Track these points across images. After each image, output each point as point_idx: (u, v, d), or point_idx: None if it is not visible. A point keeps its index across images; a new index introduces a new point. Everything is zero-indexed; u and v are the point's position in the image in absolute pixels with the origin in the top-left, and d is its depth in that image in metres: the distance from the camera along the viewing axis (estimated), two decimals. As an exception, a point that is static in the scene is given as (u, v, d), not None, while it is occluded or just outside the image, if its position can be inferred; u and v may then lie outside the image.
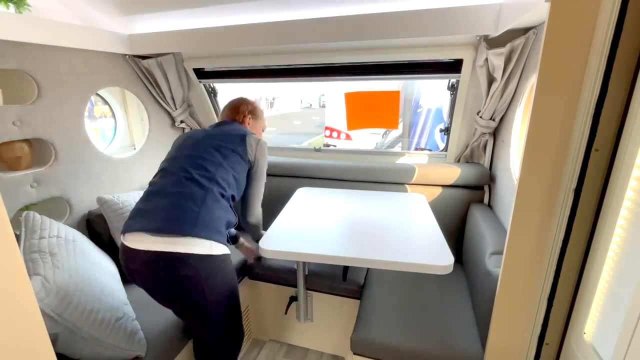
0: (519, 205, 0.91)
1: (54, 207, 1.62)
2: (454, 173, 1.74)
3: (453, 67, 1.70)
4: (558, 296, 0.92)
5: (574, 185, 0.82)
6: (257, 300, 1.81)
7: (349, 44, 1.67)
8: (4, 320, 0.49)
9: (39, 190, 1.50)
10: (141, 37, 1.83)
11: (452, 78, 1.79)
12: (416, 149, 4.36)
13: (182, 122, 2.19)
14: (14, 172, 1.43)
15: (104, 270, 1.35)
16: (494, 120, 1.61)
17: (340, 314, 1.63)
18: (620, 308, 0.72)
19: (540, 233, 0.91)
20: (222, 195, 1.20)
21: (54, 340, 1.00)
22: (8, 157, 1.44)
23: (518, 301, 0.99)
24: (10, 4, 1.36)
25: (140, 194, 1.76)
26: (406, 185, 1.83)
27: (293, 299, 1.62)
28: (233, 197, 1.27)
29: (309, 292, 1.62)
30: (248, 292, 1.77)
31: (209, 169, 1.19)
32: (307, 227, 1.34)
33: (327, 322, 1.68)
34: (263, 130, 1.57)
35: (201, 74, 2.05)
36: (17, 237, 1.23)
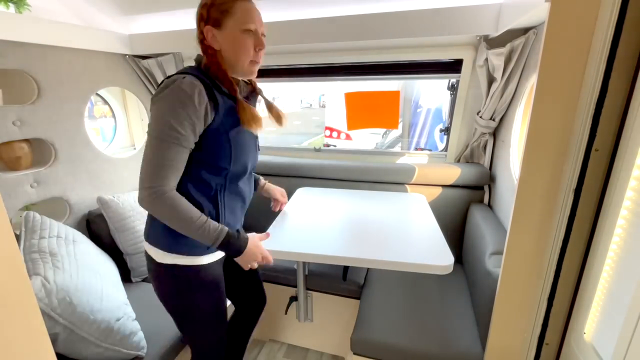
0: (519, 205, 0.91)
1: (54, 207, 1.62)
2: (454, 173, 1.74)
3: (453, 67, 1.71)
4: (558, 296, 0.92)
5: (574, 185, 0.82)
6: (257, 300, 1.81)
7: (349, 43, 1.67)
8: (4, 320, 0.49)
9: (39, 190, 1.50)
10: (141, 37, 1.83)
11: (452, 78, 1.79)
12: (416, 149, 4.37)
13: (182, 122, 2.19)
14: (14, 172, 1.43)
15: (104, 271, 1.35)
16: (494, 120, 1.61)
17: (340, 314, 1.63)
18: (620, 308, 0.72)
19: (540, 233, 0.91)
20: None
21: (54, 340, 1.00)
22: (8, 157, 1.44)
23: (518, 301, 0.99)
24: (10, 4, 1.36)
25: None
26: (406, 185, 1.83)
27: (293, 299, 1.62)
28: (204, 187, 0.96)
29: (309, 292, 1.62)
30: (248, 292, 1.77)
31: None
32: (307, 227, 1.34)
33: (327, 322, 1.68)
34: (246, 31, 0.91)
35: (201, 74, 2.05)
36: (17, 237, 1.23)
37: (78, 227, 1.63)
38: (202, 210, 0.95)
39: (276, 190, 1.39)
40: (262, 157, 2.02)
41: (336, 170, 1.91)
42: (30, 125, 1.45)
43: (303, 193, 1.77)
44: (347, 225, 1.34)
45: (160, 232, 0.97)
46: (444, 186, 1.78)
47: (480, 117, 1.64)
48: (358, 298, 1.55)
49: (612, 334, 0.74)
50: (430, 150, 3.84)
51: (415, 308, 1.39)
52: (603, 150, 0.79)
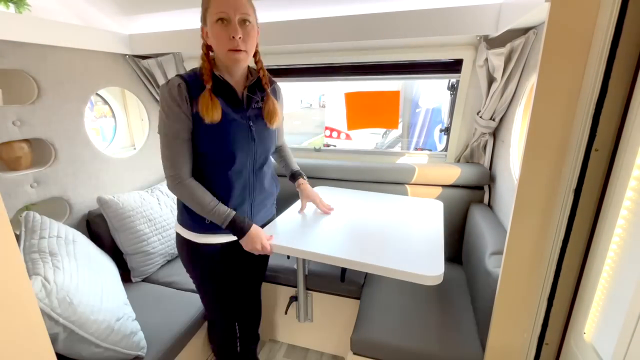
0: (519, 205, 0.91)
1: (54, 207, 1.62)
2: (454, 173, 1.74)
3: (453, 67, 1.71)
4: (558, 296, 0.92)
5: (574, 185, 0.82)
6: (257, 300, 1.81)
7: (349, 43, 1.67)
8: (4, 320, 0.49)
9: (39, 190, 1.50)
10: (141, 37, 1.83)
11: (452, 78, 1.79)
12: (416, 149, 4.37)
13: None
14: (14, 172, 1.43)
15: (104, 271, 1.35)
16: (494, 120, 1.61)
17: (340, 314, 1.63)
18: (620, 308, 0.72)
19: (540, 233, 0.91)
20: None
21: (54, 340, 1.00)
22: (8, 157, 1.44)
23: (518, 301, 0.99)
24: (10, 4, 1.36)
25: (141, 194, 1.77)
26: (406, 185, 1.82)
27: (293, 299, 1.62)
28: (195, 173, 1.08)
29: (309, 292, 1.62)
30: (248, 292, 1.77)
31: None
32: (309, 225, 1.34)
33: (327, 322, 1.68)
34: (219, 20, 0.95)
35: (201, 74, 2.05)
36: (17, 237, 1.23)
37: (78, 227, 1.63)
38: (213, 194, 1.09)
39: (308, 193, 1.43)
40: (262, 157, 2.01)
41: (336, 170, 1.91)
42: (30, 125, 1.45)
43: (319, 191, 1.77)
44: (351, 227, 1.34)
45: (182, 212, 1.15)
46: (444, 186, 1.78)
47: (480, 117, 1.64)
48: (358, 298, 1.55)
49: (612, 334, 0.74)
50: (430, 150, 3.84)
51: (415, 308, 1.39)
52: (603, 150, 0.79)
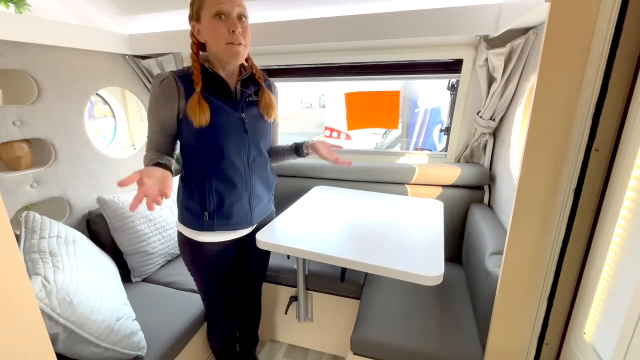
0: (519, 205, 0.91)
1: (54, 207, 1.62)
2: (454, 173, 1.74)
3: (453, 67, 1.71)
4: (558, 296, 0.92)
5: (574, 185, 0.82)
6: (257, 300, 1.81)
7: (349, 43, 1.67)
8: (4, 320, 0.49)
9: (39, 190, 1.50)
10: (141, 37, 1.83)
11: (452, 78, 1.79)
12: (416, 149, 4.37)
13: (182, 122, 2.19)
14: (14, 172, 1.43)
15: (104, 271, 1.35)
16: (494, 120, 1.61)
17: (340, 314, 1.63)
18: (620, 308, 0.72)
19: (540, 233, 0.91)
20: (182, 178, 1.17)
21: (54, 340, 1.00)
22: (8, 157, 1.44)
23: (518, 301, 0.99)
24: (10, 4, 1.36)
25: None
26: (406, 185, 1.82)
27: (293, 299, 1.62)
28: (191, 170, 1.12)
29: (309, 292, 1.62)
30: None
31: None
32: (310, 224, 1.34)
33: (327, 322, 1.68)
34: (216, 15, 0.96)
35: (201, 74, 2.05)
36: (17, 237, 1.23)
37: (78, 227, 1.63)
38: (191, 194, 1.12)
39: (316, 144, 1.26)
40: (262, 157, 2.01)
41: (336, 170, 1.91)
42: (30, 125, 1.45)
43: (319, 191, 1.77)
44: (350, 227, 1.34)
45: (182, 211, 1.17)
46: (444, 186, 1.78)
47: (480, 117, 1.64)
48: (358, 298, 1.55)
49: (612, 334, 0.74)
50: (429, 150, 3.84)
51: (415, 308, 1.39)
52: (603, 150, 0.79)
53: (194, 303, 1.47)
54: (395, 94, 1.90)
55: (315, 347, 1.79)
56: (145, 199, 0.82)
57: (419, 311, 1.37)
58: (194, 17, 1.02)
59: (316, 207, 1.53)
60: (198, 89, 1.01)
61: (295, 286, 1.64)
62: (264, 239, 1.19)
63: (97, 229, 1.65)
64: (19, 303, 0.51)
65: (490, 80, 1.56)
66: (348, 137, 5.76)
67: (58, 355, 0.99)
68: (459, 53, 1.62)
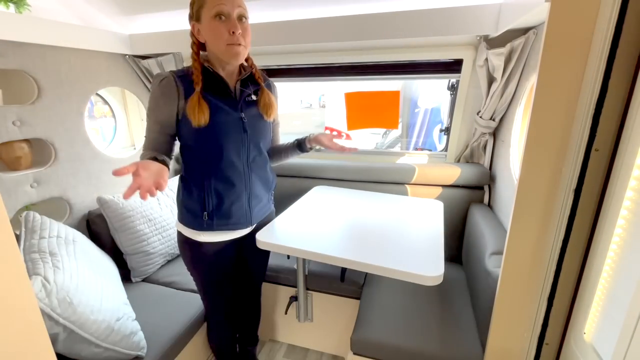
0: (519, 205, 0.91)
1: (54, 207, 1.62)
2: (454, 173, 1.74)
3: (453, 67, 1.71)
4: (558, 296, 0.92)
5: (574, 185, 0.82)
6: (257, 300, 1.81)
7: (349, 43, 1.67)
8: (4, 320, 0.49)
9: (39, 190, 1.50)
10: (141, 37, 1.83)
11: (452, 78, 1.79)
12: (415, 149, 4.36)
13: (182, 122, 2.19)
14: (14, 172, 1.43)
15: (104, 271, 1.35)
16: (494, 120, 1.61)
17: (340, 314, 1.63)
18: (620, 308, 0.72)
19: (540, 233, 0.91)
20: (182, 178, 1.17)
21: (54, 340, 1.00)
22: (8, 157, 1.44)
23: (518, 301, 0.99)
24: (10, 4, 1.36)
25: (140, 194, 1.76)
26: (406, 185, 1.82)
27: (293, 299, 1.62)
28: (191, 170, 1.12)
29: (309, 292, 1.62)
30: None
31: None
32: (310, 224, 1.34)
33: (327, 322, 1.68)
34: (217, 16, 0.96)
35: (201, 74, 2.05)
36: (17, 237, 1.23)
37: (78, 227, 1.63)
38: (191, 193, 1.12)
39: (319, 136, 1.26)
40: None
41: (336, 170, 1.91)
42: (30, 125, 1.45)
43: (319, 191, 1.77)
44: (350, 227, 1.34)
45: (182, 211, 1.17)
46: (444, 186, 1.78)
47: (480, 117, 1.64)
48: (358, 298, 1.55)
49: (612, 334, 0.74)
50: (429, 150, 3.83)
51: (415, 308, 1.39)
52: (603, 150, 0.79)
53: (194, 303, 1.47)
54: (395, 94, 1.90)
55: (315, 347, 1.79)
56: (139, 190, 0.83)
57: (419, 311, 1.37)
58: (194, 17, 1.01)
59: (316, 207, 1.53)
60: (198, 88, 1.01)
61: (295, 286, 1.64)
62: (264, 239, 1.19)
63: (97, 229, 1.65)
64: (19, 303, 0.51)
65: (490, 80, 1.56)
66: (348, 137, 5.76)
67: (58, 355, 0.99)
68: (459, 53, 1.62)
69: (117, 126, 2.23)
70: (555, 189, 0.87)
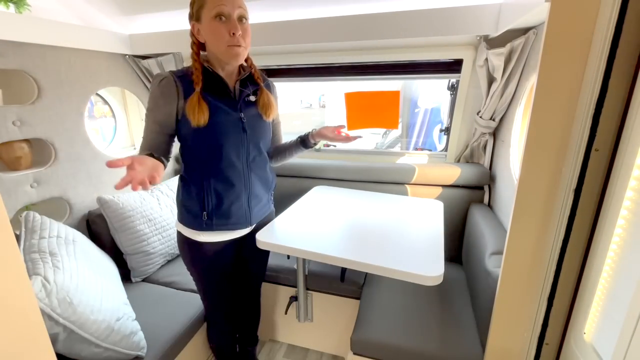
0: (519, 205, 0.91)
1: (54, 207, 1.62)
2: (454, 173, 1.74)
3: (453, 67, 1.71)
4: (558, 296, 0.92)
5: (574, 185, 0.82)
6: (257, 300, 1.81)
7: (349, 43, 1.67)
8: (4, 320, 0.49)
9: (39, 190, 1.50)
10: (141, 37, 1.83)
11: (452, 78, 1.79)
12: (415, 149, 4.36)
13: (182, 122, 2.19)
14: (14, 172, 1.43)
15: (104, 271, 1.35)
16: (494, 120, 1.61)
17: (340, 314, 1.63)
18: (620, 308, 0.72)
19: (540, 233, 0.91)
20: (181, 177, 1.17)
21: (54, 340, 1.00)
22: (8, 157, 1.44)
23: (518, 301, 0.99)
24: (10, 4, 1.36)
25: (141, 194, 1.77)
26: (406, 185, 1.82)
27: (293, 299, 1.62)
28: (190, 170, 1.12)
29: (309, 292, 1.62)
30: (248, 292, 1.77)
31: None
32: (310, 224, 1.34)
33: (327, 322, 1.68)
34: (217, 17, 0.96)
35: (201, 74, 2.05)
36: (17, 237, 1.23)
37: (78, 227, 1.63)
38: (190, 193, 1.12)
39: (321, 130, 1.27)
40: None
41: (336, 170, 1.91)
42: (30, 125, 1.45)
43: (319, 191, 1.77)
44: (351, 226, 1.34)
45: (181, 211, 1.17)
46: (444, 186, 1.78)
47: (480, 117, 1.64)
48: (358, 298, 1.55)
49: (612, 334, 0.74)
50: (429, 150, 3.83)
51: (415, 308, 1.39)
52: (603, 150, 0.79)
53: (194, 303, 1.47)
54: (396, 94, 1.89)
55: (315, 347, 1.79)
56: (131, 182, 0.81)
57: (419, 311, 1.37)
58: (194, 17, 1.01)
59: (316, 207, 1.53)
60: (198, 88, 1.01)
61: (295, 286, 1.64)
62: (264, 239, 1.19)
63: (97, 229, 1.65)
64: (19, 303, 0.51)
65: (490, 80, 1.56)
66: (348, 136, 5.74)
67: (58, 355, 0.99)
68: (459, 53, 1.62)
69: (117, 126, 2.23)
70: (555, 189, 0.87)
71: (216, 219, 1.13)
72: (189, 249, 1.19)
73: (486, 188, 1.75)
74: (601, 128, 0.77)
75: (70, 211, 1.62)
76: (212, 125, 1.04)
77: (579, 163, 0.81)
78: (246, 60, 1.14)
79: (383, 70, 1.83)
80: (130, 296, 1.41)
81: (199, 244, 1.16)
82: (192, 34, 1.04)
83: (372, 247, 1.16)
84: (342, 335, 1.67)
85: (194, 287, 1.37)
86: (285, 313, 1.67)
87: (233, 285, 1.35)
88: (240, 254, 1.30)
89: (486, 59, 1.48)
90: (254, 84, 1.15)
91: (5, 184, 1.38)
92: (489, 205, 1.72)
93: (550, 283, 0.91)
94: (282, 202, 1.72)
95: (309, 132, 1.29)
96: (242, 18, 1.00)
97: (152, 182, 0.84)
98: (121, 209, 1.61)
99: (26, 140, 1.47)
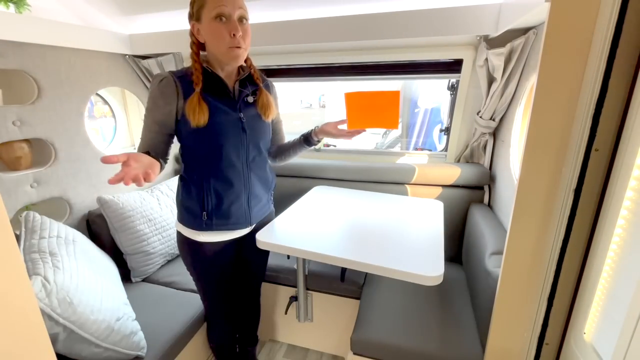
0: (519, 205, 0.91)
1: (54, 207, 1.62)
2: (454, 173, 1.74)
3: (453, 67, 1.71)
4: (558, 296, 0.92)
5: (574, 185, 0.82)
6: (257, 300, 1.81)
7: (349, 43, 1.67)
8: (4, 320, 0.49)
9: (39, 190, 1.50)
10: (141, 37, 1.83)
11: (452, 78, 1.79)
12: (415, 149, 4.36)
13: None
14: (14, 172, 1.43)
15: (104, 271, 1.35)
16: (494, 120, 1.61)
17: (340, 314, 1.63)
18: (620, 308, 0.72)
19: (540, 233, 0.91)
20: (181, 177, 1.16)
21: (54, 340, 1.00)
22: (8, 157, 1.44)
23: (518, 301, 0.99)
24: (10, 4, 1.36)
25: (141, 194, 1.77)
26: (406, 185, 1.82)
27: (293, 299, 1.62)
28: (190, 170, 1.12)
29: (309, 292, 1.62)
30: (248, 292, 1.77)
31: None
32: (310, 224, 1.34)
33: (327, 322, 1.68)
34: (217, 18, 0.96)
35: (201, 74, 2.05)
36: (17, 237, 1.23)
37: (78, 227, 1.63)
38: (190, 193, 1.12)
39: (327, 128, 1.25)
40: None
41: (336, 170, 1.91)
42: (30, 125, 1.45)
43: (319, 191, 1.77)
44: (351, 226, 1.34)
45: (181, 211, 1.17)
46: (444, 186, 1.78)
47: (480, 117, 1.64)
48: (358, 298, 1.55)
49: (612, 334, 0.74)
50: (429, 150, 3.83)
51: (415, 308, 1.39)
52: (603, 150, 0.79)
53: (194, 303, 1.47)
54: (396, 94, 1.89)
55: (315, 347, 1.79)
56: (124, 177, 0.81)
57: (419, 311, 1.37)
58: (194, 17, 1.00)
59: (316, 207, 1.53)
60: (198, 89, 1.01)
61: (295, 286, 1.63)
62: (264, 239, 1.19)
63: (97, 229, 1.65)
64: (19, 303, 0.51)
65: (490, 80, 1.56)
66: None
67: (58, 355, 0.99)
68: (459, 53, 1.62)
69: (117, 126, 2.23)
70: (555, 189, 0.87)
71: (216, 219, 1.13)
72: (188, 249, 1.19)
73: (486, 188, 1.75)
74: (601, 128, 0.77)
75: (70, 211, 1.62)
76: (212, 126, 1.04)
77: (579, 163, 0.81)
78: (245, 61, 1.14)
79: (383, 70, 1.83)
80: (130, 296, 1.41)
81: (198, 244, 1.16)
82: (192, 34, 1.04)
83: (372, 247, 1.16)
84: (342, 335, 1.67)
85: (194, 287, 1.37)
86: (285, 313, 1.67)
87: (233, 285, 1.35)
88: (240, 254, 1.30)
89: (486, 59, 1.48)
90: (253, 84, 1.15)
91: (5, 184, 1.38)
92: (489, 205, 1.72)
93: (550, 283, 0.91)
94: (282, 202, 1.72)
95: (312, 130, 1.29)
96: (242, 19, 1.00)
97: (147, 179, 0.84)
98: (121, 209, 1.61)
99: (26, 140, 1.47)
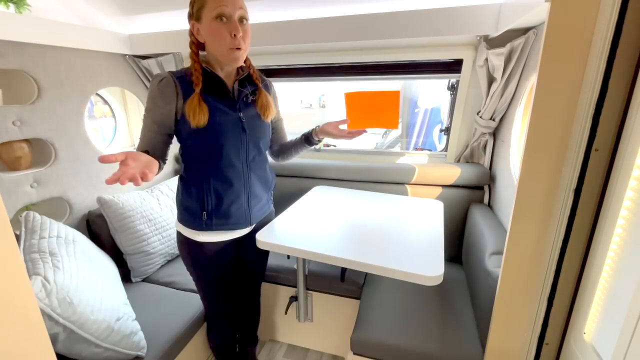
0: (519, 205, 0.91)
1: (54, 207, 1.62)
2: (454, 173, 1.74)
3: (453, 67, 1.71)
4: (558, 296, 0.92)
5: (574, 185, 0.82)
6: (257, 300, 1.81)
7: (349, 43, 1.67)
8: (4, 320, 0.49)
9: (39, 190, 1.50)
10: (141, 37, 1.83)
11: (452, 78, 1.79)
12: (415, 149, 4.36)
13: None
14: (14, 172, 1.43)
15: (104, 271, 1.35)
16: (494, 120, 1.61)
17: (340, 314, 1.63)
18: (620, 308, 0.72)
19: (540, 233, 0.91)
20: (181, 177, 1.17)
21: (54, 340, 1.00)
22: (8, 157, 1.44)
23: (518, 301, 0.99)
24: (10, 4, 1.36)
25: (141, 194, 1.77)
26: (406, 185, 1.82)
27: (293, 299, 1.62)
28: (190, 170, 1.12)
29: (309, 292, 1.62)
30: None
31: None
32: (310, 224, 1.34)
33: (327, 322, 1.68)
34: (218, 18, 0.95)
35: (201, 74, 2.05)
36: (17, 237, 1.23)
37: (78, 227, 1.63)
38: (190, 193, 1.12)
39: (327, 128, 1.26)
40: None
41: (336, 170, 1.91)
42: (30, 125, 1.45)
43: (319, 191, 1.77)
44: (351, 226, 1.34)
45: (181, 211, 1.17)
46: (444, 186, 1.78)
47: (480, 117, 1.64)
48: (358, 298, 1.55)
49: (612, 334, 0.74)
50: (429, 150, 3.83)
51: (415, 308, 1.39)
52: (603, 150, 0.79)
53: (194, 303, 1.47)
54: (396, 94, 1.89)
55: (315, 347, 1.79)
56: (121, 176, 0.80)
57: (419, 311, 1.37)
58: (194, 16, 1.00)
59: (316, 207, 1.53)
60: (197, 89, 1.01)
61: (295, 286, 1.63)
62: (264, 239, 1.19)
63: (97, 229, 1.66)
64: (19, 303, 0.51)
65: (490, 80, 1.56)
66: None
67: (58, 355, 0.99)
68: (459, 53, 1.63)
69: (117, 126, 2.23)
70: (555, 189, 0.87)
71: (216, 219, 1.13)
72: (188, 249, 1.19)
73: (486, 188, 1.75)
74: (601, 128, 0.77)
75: (70, 211, 1.62)
76: (212, 126, 1.04)
77: (579, 163, 0.81)
78: (245, 61, 1.14)
79: (383, 70, 1.83)
80: (130, 296, 1.41)
81: (198, 244, 1.16)
82: (192, 34, 1.03)
83: (372, 247, 1.16)
84: (342, 335, 1.67)
85: (194, 287, 1.37)
86: (285, 313, 1.67)
87: (233, 285, 1.35)
88: (240, 254, 1.31)
89: (486, 59, 1.48)
90: (252, 84, 1.15)
91: (5, 184, 1.38)
92: (489, 205, 1.72)
93: (550, 283, 0.91)
94: (282, 202, 1.72)
95: (313, 129, 1.29)
96: (242, 19, 1.00)
97: (144, 179, 0.83)
98: (121, 209, 1.61)
99: (26, 140, 1.47)
